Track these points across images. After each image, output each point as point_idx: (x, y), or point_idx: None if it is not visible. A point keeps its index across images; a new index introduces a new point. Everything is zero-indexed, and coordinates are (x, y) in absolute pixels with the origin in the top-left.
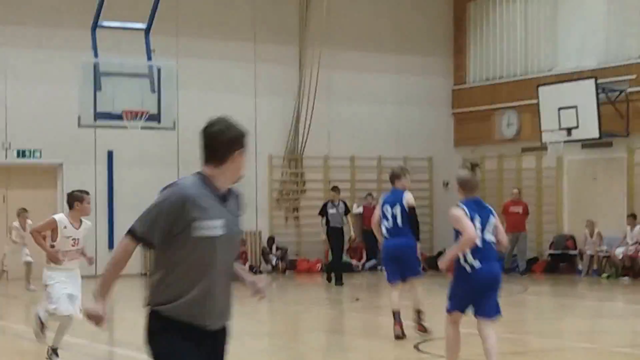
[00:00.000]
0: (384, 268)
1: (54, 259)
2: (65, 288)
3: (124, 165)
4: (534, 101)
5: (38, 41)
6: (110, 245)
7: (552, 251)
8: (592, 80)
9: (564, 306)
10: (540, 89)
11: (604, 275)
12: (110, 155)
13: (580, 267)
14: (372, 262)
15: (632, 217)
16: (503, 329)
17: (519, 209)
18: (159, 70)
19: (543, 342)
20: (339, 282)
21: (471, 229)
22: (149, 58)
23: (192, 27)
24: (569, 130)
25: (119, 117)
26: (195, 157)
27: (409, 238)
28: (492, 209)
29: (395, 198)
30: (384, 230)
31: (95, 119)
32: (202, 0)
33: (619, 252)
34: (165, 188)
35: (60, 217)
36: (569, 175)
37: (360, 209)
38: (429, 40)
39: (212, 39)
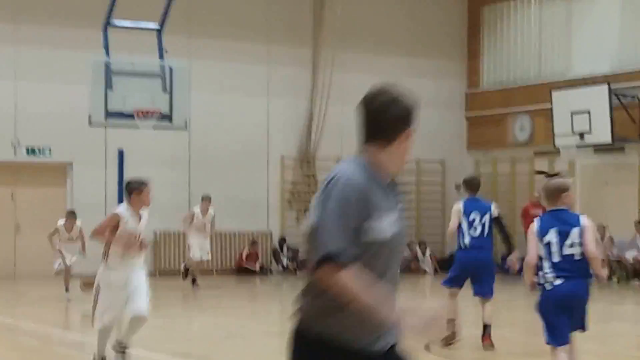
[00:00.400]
0: (451, 274)
1: (128, 246)
2: (118, 297)
3: (135, 165)
4: (547, 106)
5: (49, 40)
6: None
7: None
8: (605, 86)
9: None
10: (554, 93)
11: (615, 278)
12: (121, 154)
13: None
14: None
15: (639, 223)
16: (513, 330)
17: (539, 212)
18: (171, 70)
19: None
20: None
21: (531, 252)
22: (161, 57)
23: (205, 27)
24: (581, 135)
25: (130, 116)
26: (206, 158)
27: (491, 253)
28: (580, 218)
29: (482, 206)
30: (466, 240)
31: (106, 118)
32: (215, 0)
33: (630, 255)
34: (330, 182)
35: (122, 210)
36: (581, 179)
37: None
38: (443, 43)
39: (225, 39)
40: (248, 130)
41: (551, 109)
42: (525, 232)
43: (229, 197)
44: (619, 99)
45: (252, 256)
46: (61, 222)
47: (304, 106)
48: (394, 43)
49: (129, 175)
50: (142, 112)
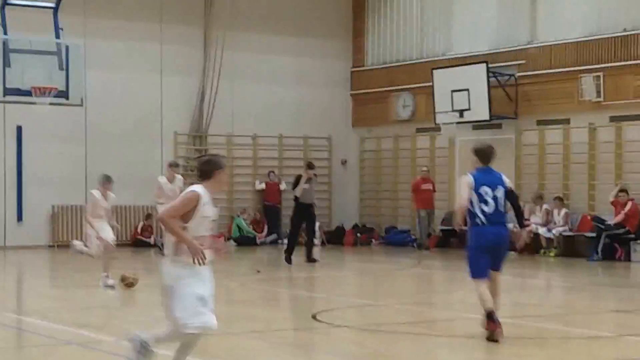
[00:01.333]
0: (471, 260)
1: (196, 253)
2: (198, 288)
3: (33, 141)
4: (429, 84)
5: None
6: (19, 218)
7: (443, 227)
8: (483, 65)
9: (454, 279)
10: (435, 72)
11: None
12: (19, 130)
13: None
14: (273, 236)
15: None
16: (396, 300)
17: (429, 187)
18: (67, 48)
19: (434, 312)
20: (311, 259)
21: None
22: (57, 36)
23: (100, 7)
24: (461, 112)
25: (27, 93)
26: (102, 134)
27: (506, 227)
28: None
29: (494, 178)
30: (481, 217)
31: (4, 95)
32: None
33: None
34: None
35: (203, 189)
36: (461, 154)
37: (263, 186)
38: (329, 23)
39: (119, 19)
40: (142, 107)
41: (432, 87)
42: (415, 206)
43: (124, 171)
44: (496, 78)
45: (147, 229)
46: (96, 192)
47: (196, 84)
48: (281, 23)
49: (27, 150)
50: (39, 89)
